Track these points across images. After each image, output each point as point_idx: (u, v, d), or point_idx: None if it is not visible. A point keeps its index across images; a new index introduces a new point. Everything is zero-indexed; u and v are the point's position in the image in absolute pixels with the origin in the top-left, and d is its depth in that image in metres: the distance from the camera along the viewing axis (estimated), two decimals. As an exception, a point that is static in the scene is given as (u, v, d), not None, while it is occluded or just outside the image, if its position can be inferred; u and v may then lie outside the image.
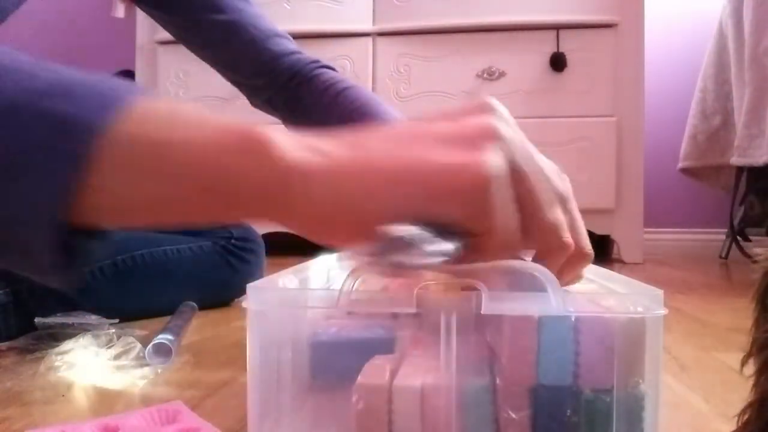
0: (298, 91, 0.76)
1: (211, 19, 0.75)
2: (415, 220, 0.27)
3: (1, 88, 0.27)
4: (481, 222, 0.28)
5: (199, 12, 0.75)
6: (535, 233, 0.32)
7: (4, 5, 0.65)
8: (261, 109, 0.81)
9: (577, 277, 0.39)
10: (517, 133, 0.32)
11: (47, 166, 0.26)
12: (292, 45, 0.79)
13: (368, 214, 0.28)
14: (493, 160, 0.28)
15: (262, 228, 1.17)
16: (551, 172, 0.33)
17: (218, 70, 0.80)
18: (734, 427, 0.33)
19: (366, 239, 0.27)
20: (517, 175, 0.30)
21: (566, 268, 0.35)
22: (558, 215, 0.33)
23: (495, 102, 0.32)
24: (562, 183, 0.35)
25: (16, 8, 0.68)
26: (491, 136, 0.29)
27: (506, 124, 0.31)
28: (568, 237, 0.33)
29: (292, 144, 0.29)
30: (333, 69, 0.78)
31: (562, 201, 0.34)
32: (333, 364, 0.34)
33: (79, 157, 0.26)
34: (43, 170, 0.26)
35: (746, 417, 0.32)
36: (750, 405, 0.32)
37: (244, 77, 0.79)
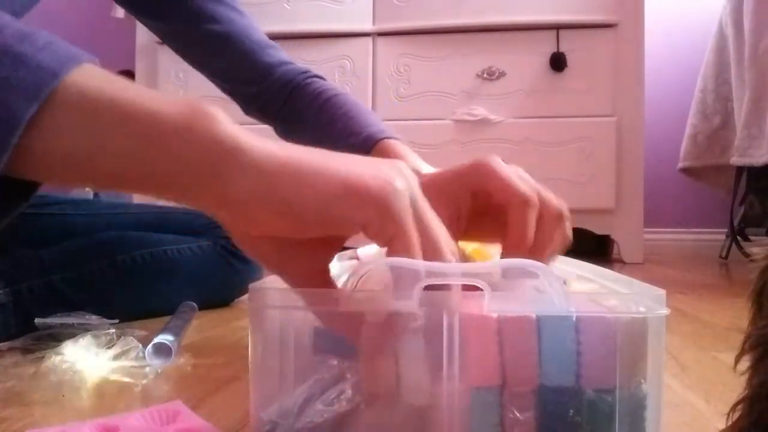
0: (289, 100, 0.79)
1: (208, 29, 0.77)
2: (325, 221, 0.31)
3: None
4: (383, 227, 0.31)
5: (197, 22, 0.77)
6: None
7: (13, 8, 0.65)
8: (253, 117, 0.84)
9: (563, 242, 0.43)
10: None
11: (7, 97, 0.28)
12: (284, 56, 0.82)
13: (294, 205, 0.30)
14: (398, 180, 0.32)
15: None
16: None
17: (211, 80, 0.84)
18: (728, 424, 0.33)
19: (283, 230, 0.31)
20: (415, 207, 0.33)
21: (545, 230, 0.41)
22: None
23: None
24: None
25: (27, 10, 0.68)
26: (398, 168, 0.33)
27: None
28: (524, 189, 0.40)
29: (234, 125, 0.31)
30: (322, 78, 0.81)
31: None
32: (333, 348, 0.35)
33: (38, 93, 0.28)
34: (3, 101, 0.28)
35: (738, 413, 0.32)
36: (741, 401, 0.32)
37: (237, 86, 0.82)
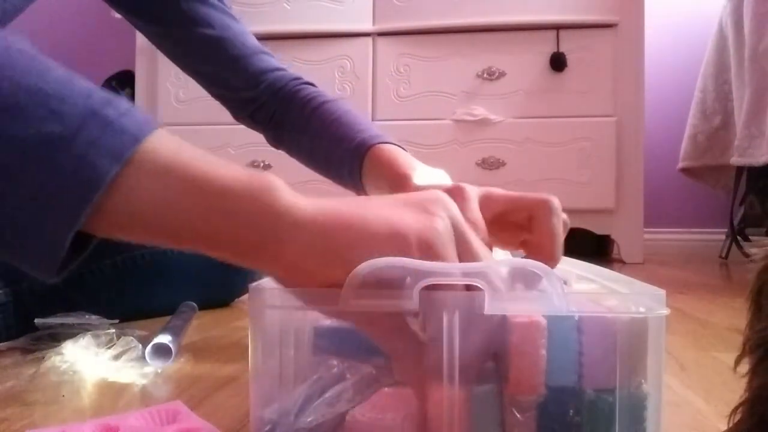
0: (280, 106, 0.79)
1: (202, 34, 0.78)
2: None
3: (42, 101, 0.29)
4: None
5: (190, 26, 0.78)
6: None
7: (4, 7, 0.65)
8: (243, 123, 0.84)
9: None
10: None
11: (94, 158, 0.29)
12: (275, 62, 0.82)
13: (343, 253, 0.32)
14: (439, 217, 0.34)
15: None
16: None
17: (202, 84, 0.83)
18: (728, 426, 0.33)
19: (334, 279, 0.32)
20: (458, 232, 0.35)
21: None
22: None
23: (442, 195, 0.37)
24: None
25: (19, 12, 0.68)
26: (438, 201, 0.35)
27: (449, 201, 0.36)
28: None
29: (292, 193, 0.33)
30: (313, 85, 0.82)
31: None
32: (333, 348, 0.35)
33: (121, 155, 0.30)
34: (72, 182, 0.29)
35: (739, 416, 0.32)
36: (742, 404, 0.32)
37: (228, 91, 0.82)
